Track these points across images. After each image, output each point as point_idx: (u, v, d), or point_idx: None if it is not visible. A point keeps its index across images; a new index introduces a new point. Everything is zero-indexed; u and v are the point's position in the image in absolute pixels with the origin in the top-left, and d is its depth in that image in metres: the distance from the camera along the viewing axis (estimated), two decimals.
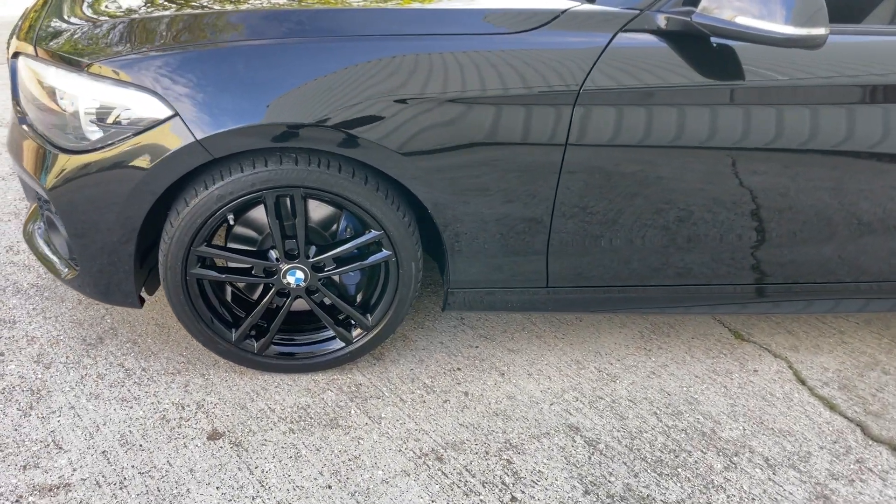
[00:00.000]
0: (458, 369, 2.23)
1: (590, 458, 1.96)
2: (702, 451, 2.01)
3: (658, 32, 1.80)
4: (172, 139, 1.69)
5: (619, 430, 2.06)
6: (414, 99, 1.72)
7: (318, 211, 1.97)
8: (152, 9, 1.92)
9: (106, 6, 1.98)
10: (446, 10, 1.84)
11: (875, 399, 2.28)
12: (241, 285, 2.10)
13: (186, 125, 1.68)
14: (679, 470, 1.94)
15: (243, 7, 1.89)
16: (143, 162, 1.71)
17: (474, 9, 1.83)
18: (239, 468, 1.81)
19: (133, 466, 1.79)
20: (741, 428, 2.11)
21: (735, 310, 2.24)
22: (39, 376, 2.03)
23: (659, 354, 2.38)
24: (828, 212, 2.02)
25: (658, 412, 2.14)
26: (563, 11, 1.80)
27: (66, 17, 1.94)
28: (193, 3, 1.94)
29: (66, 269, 1.98)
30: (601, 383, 2.23)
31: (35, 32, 1.91)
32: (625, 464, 1.95)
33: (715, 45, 1.82)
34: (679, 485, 1.89)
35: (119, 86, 1.71)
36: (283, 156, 1.78)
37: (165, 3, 1.96)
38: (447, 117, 1.75)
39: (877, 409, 2.24)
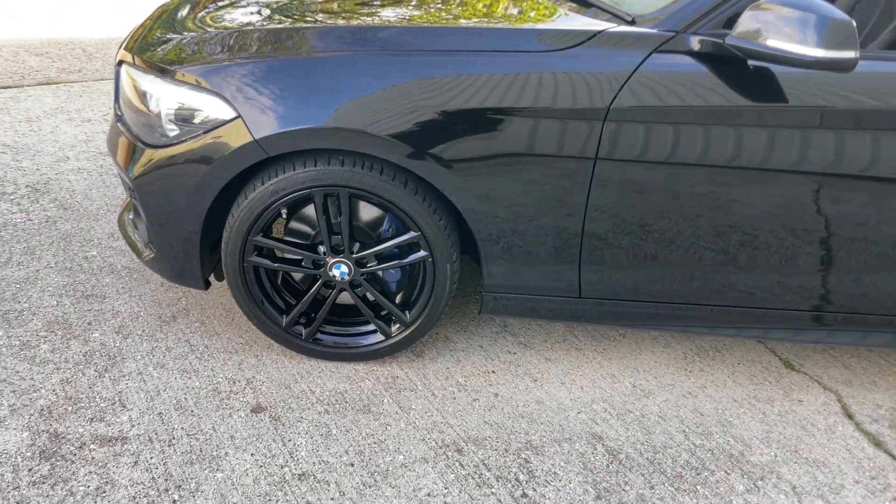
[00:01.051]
0: (493, 372, 2.32)
1: (608, 466, 1.99)
2: (725, 472, 2.00)
3: (692, 53, 1.85)
4: (234, 138, 1.90)
5: (643, 444, 2.08)
6: (456, 111, 1.85)
7: (367, 211, 2.13)
8: (231, 25, 2.16)
9: (196, 22, 2.24)
10: (491, 29, 1.96)
11: None
12: (297, 276, 2.29)
13: (247, 126, 1.89)
14: (698, 487, 1.95)
15: (302, 24, 2.09)
16: (208, 157, 1.94)
17: (517, 28, 1.95)
18: (274, 440, 1.98)
19: (182, 428, 1.99)
20: (773, 454, 2.08)
21: (817, 337, 2.21)
22: (118, 345, 2.29)
23: (700, 376, 2.37)
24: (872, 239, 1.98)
25: (687, 430, 2.14)
26: (600, 32, 1.88)
27: (162, 32, 2.22)
28: (266, 20, 2.17)
29: (146, 251, 2.24)
30: (633, 398, 2.25)
31: (136, 44, 2.20)
32: (643, 475, 1.97)
33: (752, 67, 1.85)
34: (695, 501, 1.90)
35: (194, 90, 1.94)
36: (331, 157, 1.96)
37: (247, 20, 2.20)
38: (485, 129, 1.87)
39: None
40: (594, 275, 2.10)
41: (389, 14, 2.16)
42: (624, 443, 2.08)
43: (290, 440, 1.99)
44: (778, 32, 1.71)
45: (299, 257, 2.15)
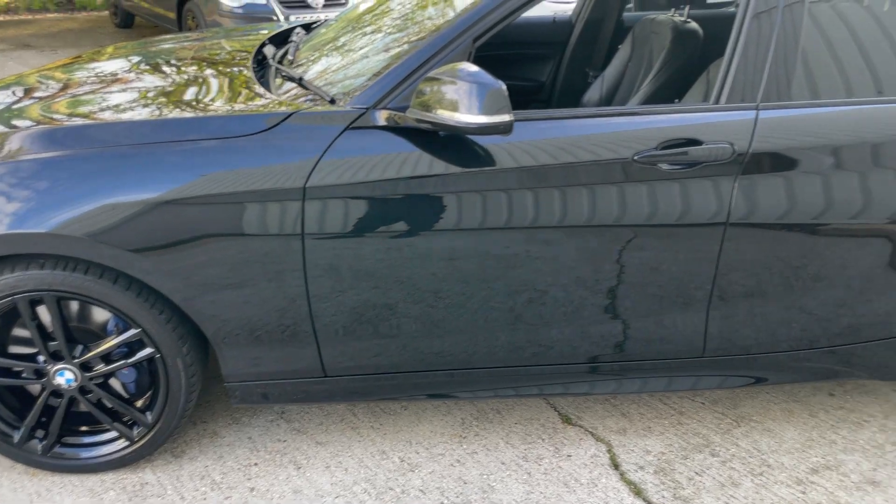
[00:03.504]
0: (255, 464, 2.23)
1: None
2: None
3: (382, 128, 1.89)
4: None
5: None
6: (157, 203, 1.83)
7: (95, 311, 2.06)
8: None
9: None
10: (185, 120, 1.96)
11: (690, 483, 2.18)
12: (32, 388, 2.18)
13: None
14: None
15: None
16: None
17: (212, 116, 1.96)
18: None
19: None
20: None
21: (584, 389, 2.23)
22: None
23: (473, 441, 2.34)
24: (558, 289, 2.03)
25: (445, 502, 2.09)
26: (293, 113, 1.91)
27: None
28: None
29: None
30: (398, 473, 2.20)
31: None
32: None
33: (443, 136, 1.90)
34: None
35: None
36: (31, 261, 1.89)
37: None
38: (189, 217, 1.84)
39: (688, 494, 2.14)
40: (336, 352, 2.07)
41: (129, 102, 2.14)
42: None
43: None
44: (446, 102, 1.76)
45: (20, 368, 2.05)
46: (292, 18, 6.94)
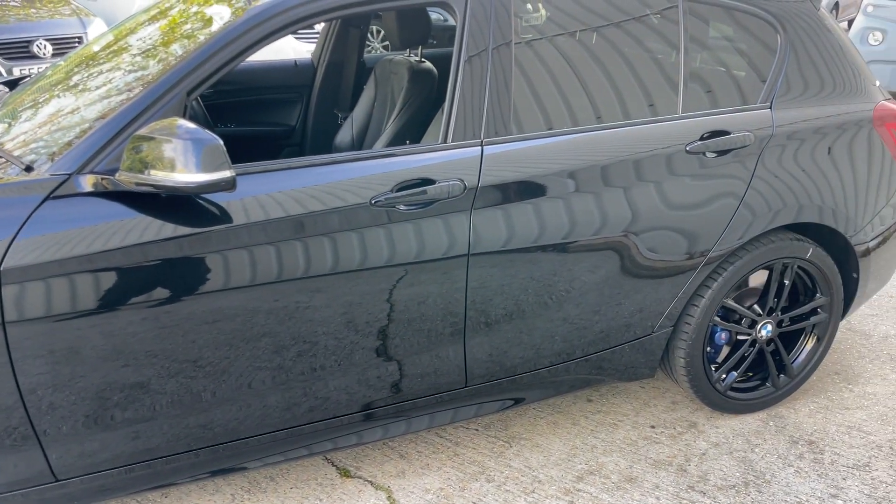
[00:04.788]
0: None
1: None
2: None
3: (91, 194, 1.70)
4: None
5: None
6: None
7: None
8: None
9: None
10: None
11: None
12: None
13: None
14: None
15: None
16: None
17: None
18: None
19: None
20: None
21: (379, 435, 2.18)
22: None
23: None
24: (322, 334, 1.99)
25: None
26: None
27: None
28: None
29: None
30: None
31: None
32: None
33: (165, 196, 1.75)
34: None
35: None
36: None
37: None
38: None
39: None
40: (75, 448, 1.82)
41: None
42: None
43: None
44: (162, 161, 1.63)
45: None
46: (16, 71, 6.24)
